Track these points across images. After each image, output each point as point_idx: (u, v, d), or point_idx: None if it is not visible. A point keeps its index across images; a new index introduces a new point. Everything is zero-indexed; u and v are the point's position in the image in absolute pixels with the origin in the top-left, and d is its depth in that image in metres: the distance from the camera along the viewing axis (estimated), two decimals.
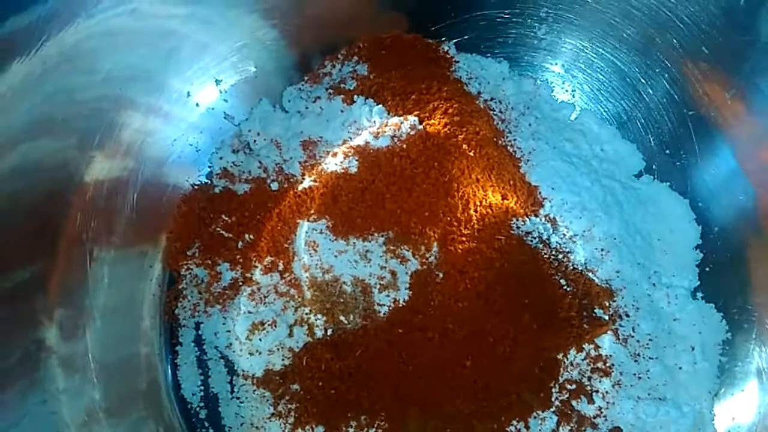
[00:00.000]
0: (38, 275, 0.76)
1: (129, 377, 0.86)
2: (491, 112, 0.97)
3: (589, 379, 0.88)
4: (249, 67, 0.96)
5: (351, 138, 0.93)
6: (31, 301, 0.75)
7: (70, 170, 0.79)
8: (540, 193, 0.93)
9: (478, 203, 0.89)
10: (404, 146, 0.91)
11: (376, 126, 0.92)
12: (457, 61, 1.00)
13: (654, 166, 0.99)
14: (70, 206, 0.79)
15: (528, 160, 0.95)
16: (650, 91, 0.97)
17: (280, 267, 0.90)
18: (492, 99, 0.98)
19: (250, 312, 0.89)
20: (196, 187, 0.95)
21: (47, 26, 0.70)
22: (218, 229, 0.92)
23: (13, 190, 0.71)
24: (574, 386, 0.87)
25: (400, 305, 0.88)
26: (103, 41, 0.77)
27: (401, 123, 0.92)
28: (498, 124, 0.96)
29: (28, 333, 0.74)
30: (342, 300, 0.88)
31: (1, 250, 0.71)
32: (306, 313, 0.89)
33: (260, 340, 0.88)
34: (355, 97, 0.94)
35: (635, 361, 0.89)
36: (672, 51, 0.93)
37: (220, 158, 0.96)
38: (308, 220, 0.91)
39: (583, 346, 0.88)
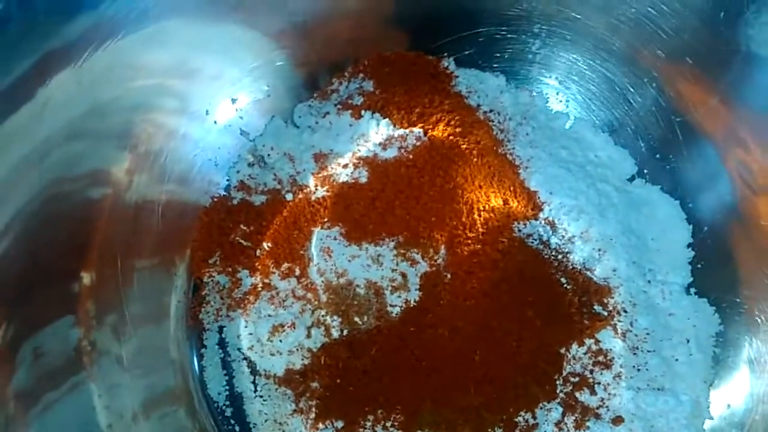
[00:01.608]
0: (84, 284, 0.80)
1: (166, 377, 0.90)
2: (491, 123, 1.01)
3: (591, 371, 0.91)
4: (262, 87, 1.00)
5: (360, 150, 0.98)
6: (82, 307, 0.80)
7: (101, 183, 0.83)
8: (539, 197, 0.97)
9: (481, 208, 0.94)
10: (411, 156, 0.96)
11: (384, 138, 0.97)
12: (457, 76, 1.03)
13: (645, 170, 1.02)
14: (100, 219, 0.83)
15: (527, 167, 0.99)
16: (639, 100, 1.00)
17: (297, 272, 0.94)
18: (491, 111, 1.02)
19: (270, 315, 0.93)
20: (215, 199, 0.98)
21: (81, 48, 0.74)
22: (237, 238, 0.96)
23: (49, 197, 0.75)
24: (577, 379, 0.91)
25: (411, 305, 0.92)
26: (133, 63, 0.81)
27: (407, 135, 0.97)
28: (497, 134, 1.00)
29: (83, 335, 0.79)
30: (356, 302, 0.93)
31: (47, 269, 0.76)
32: (322, 315, 0.93)
33: (280, 341, 0.92)
34: (363, 111, 0.98)
35: (634, 354, 0.92)
36: (658, 61, 0.96)
37: (237, 172, 1.00)
38: (322, 228, 0.95)
39: (585, 340, 0.92)
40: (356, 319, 0.92)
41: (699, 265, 0.98)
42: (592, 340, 0.93)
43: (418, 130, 0.97)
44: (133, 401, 0.84)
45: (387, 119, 0.98)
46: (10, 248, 0.71)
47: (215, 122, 0.98)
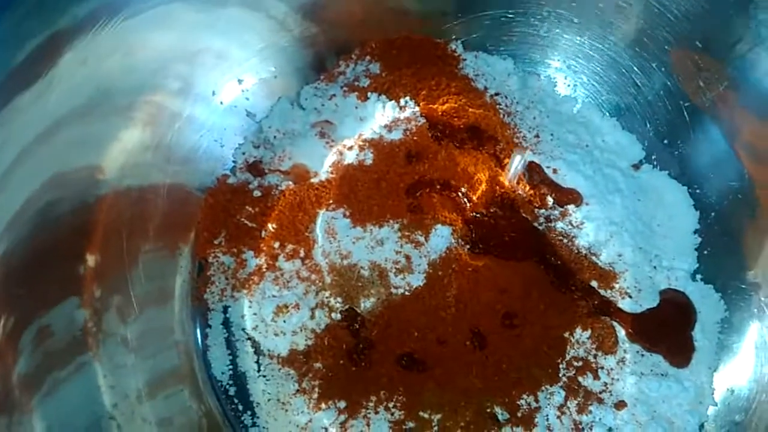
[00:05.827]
0: (89, 266, 0.81)
1: (170, 357, 0.91)
2: (498, 106, 1.01)
3: (595, 356, 0.92)
4: (269, 68, 1.01)
5: (365, 132, 0.98)
6: (87, 289, 0.81)
7: (106, 164, 0.84)
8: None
9: (487, 191, 0.95)
10: (415, 138, 0.96)
11: (389, 120, 0.97)
12: (465, 59, 1.04)
13: (653, 156, 1.02)
14: (105, 201, 0.84)
15: (533, 151, 0.99)
16: (647, 83, 1.01)
17: (302, 254, 0.95)
18: (498, 94, 1.02)
19: (274, 296, 0.94)
20: (221, 180, 0.99)
21: (87, 28, 0.75)
22: (243, 219, 0.97)
23: (55, 178, 0.76)
24: (580, 363, 0.92)
25: (415, 287, 0.92)
26: (137, 43, 0.82)
27: (412, 117, 0.97)
28: (504, 117, 1.00)
29: (89, 316, 0.80)
30: (360, 284, 0.93)
31: (53, 251, 0.77)
32: (326, 297, 0.94)
33: (284, 322, 0.92)
34: (369, 93, 0.98)
35: None
36: (666, 45, 0.96)
37: (243, 153, 1.00)
38: (327, 210, 0.96)
39: (588, 325, 0.92)
40: (360, 300, 0.93)
41: (705, 252, 0.98)
42: (597, 325, 0.93)
43: (423, 111, 0.97)
44: (138, 381, 0.85)
45: (393, 101, 0.98)
46: (16, 228, 0.72)
47: (221, 103, 0.99)
